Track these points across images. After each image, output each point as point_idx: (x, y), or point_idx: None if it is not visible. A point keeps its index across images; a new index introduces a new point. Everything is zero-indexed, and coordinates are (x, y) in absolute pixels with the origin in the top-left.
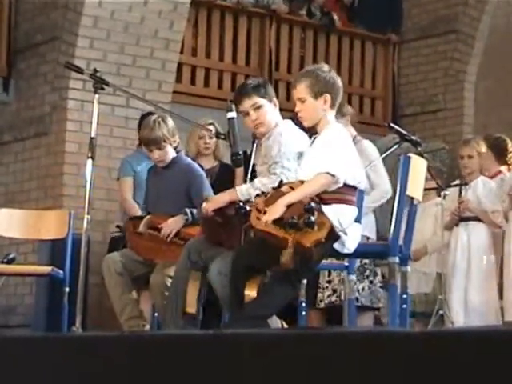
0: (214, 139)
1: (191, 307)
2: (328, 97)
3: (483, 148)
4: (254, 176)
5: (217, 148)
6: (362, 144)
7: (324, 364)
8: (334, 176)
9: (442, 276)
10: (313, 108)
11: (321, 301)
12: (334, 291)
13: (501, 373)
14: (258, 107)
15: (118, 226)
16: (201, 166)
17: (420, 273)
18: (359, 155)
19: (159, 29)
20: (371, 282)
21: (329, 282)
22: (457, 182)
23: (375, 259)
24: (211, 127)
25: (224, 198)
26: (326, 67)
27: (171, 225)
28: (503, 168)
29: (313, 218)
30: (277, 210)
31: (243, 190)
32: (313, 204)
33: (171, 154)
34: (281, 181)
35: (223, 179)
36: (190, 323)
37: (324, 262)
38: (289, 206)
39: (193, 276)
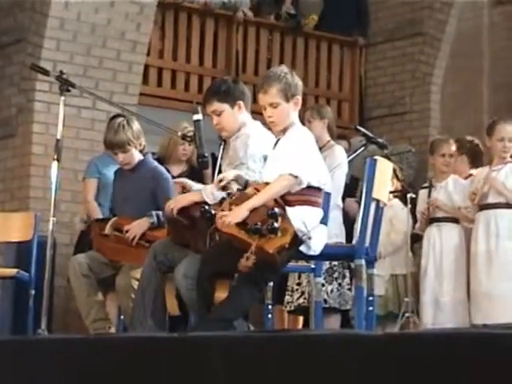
0: (192, 146)
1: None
2: (299, 99)
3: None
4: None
5: (192, 154)
6: (333, 149)
7: (290, 366)
8: (296, 177)
9: (406, 278)
10: (285, 112)
11: (288, 303)
12: (303, 293)
13: (466, 374)
14: (218, 113)
15: (85, 222)
16: (168, 170)
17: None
18: (329, 159)
19: (126, 31)
20: (340, 284)
21: (298, 284)
22: (427, 184)
23: (344, 261)
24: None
25: (188, 197)
26: (287, 69)
27: (136, 228)
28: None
29: (276, 224)
30: (240, 213)
31: (207, 191)
32: (276, 210)
33: (137, 156)
34: (246, 182)
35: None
36: (157, 325)
37: (291, 264)
38: (253, 210)
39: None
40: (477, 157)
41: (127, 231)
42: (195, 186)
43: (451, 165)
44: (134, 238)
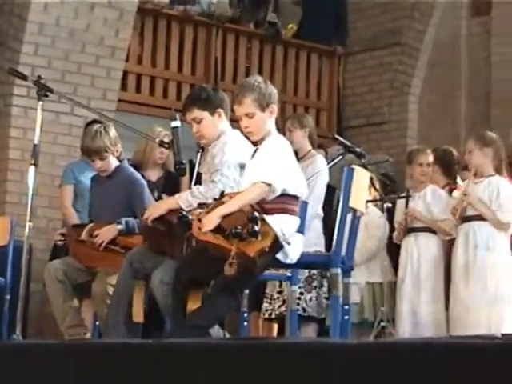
0: (168, 150)
1: (138, 317)
2: (274, 107)
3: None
4: (198, 184)
5: (168, 158)
6: (315, 159)
7: (265, 373)
8: (269, 185)
9: (383, 286)
10: (262, 121)
11: (267, 310)
12: (284, 302)
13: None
14: (198, 121)
15: (62, 234)
16: (143, 176)
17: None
18: (311, 168)
19: (105, 36)
20: (318, 292)
21: (279, 292)
22: (404, 193)
23: (323, 270)
24: (165, 138)
25: (164, 205)
26: (261, 78)
27: (103, 234)
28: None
29: (257, 228)
30: (211, 221)
31: (182, 198)
32: (256, 214)
33: (113, 163)
34: (222, 192)
35: (170, 189)
36: (131, 331)
37: (267, 272)
38: (227, 216)
39: (138, 285)
40: (449, 166)
41: (96, 236)
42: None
43: (429, 174)
44: (101, 244)
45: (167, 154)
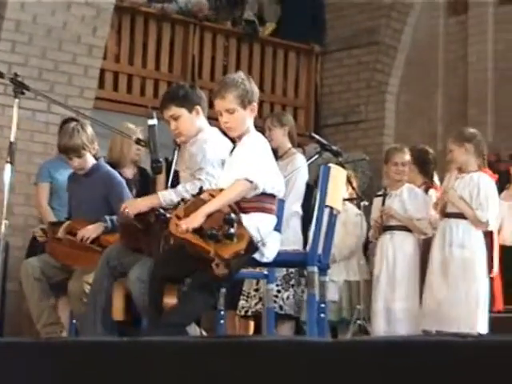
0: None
1: (118, 315)
2: (255, 106)
3: (409, 157)
4: (175, 182)
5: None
6: (294, 157)
7: (242, 371)
8: (252, 182)
9: (359, 284)
10: (242, 118)
11: (243, 308)
12: (261, 299)
13: (417, 382)
14: (175, 117)
15: (42, 230)
16: (120, 174)
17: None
18: (290, 167)
19: (82, 34)
20: (295, 291)
21: (256, 290)
22: (381, 192)
23: (299, 268)
24: (139, 134)
25: (145, 202)
26: (244, 75)
27: (88, 231)
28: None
29: (232, 230)
30: (196, 219)
31: (165, 196)
32: (233, 215)
33: (91, 161)
34: (201, 188)
35: (146, 187)
36: (108, 329)
37: (245, 270)
38: (209, 216)
39: (118, 284)
40: (425, 165)
41: (74, 234)
42: None
43: (404, 173)
44: (82, 239)
45: (143, 151)
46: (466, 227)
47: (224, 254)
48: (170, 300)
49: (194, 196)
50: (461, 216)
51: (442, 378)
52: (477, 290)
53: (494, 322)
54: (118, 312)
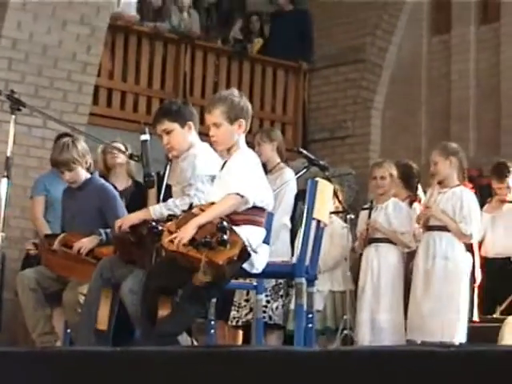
0: (122, 155)
1: (102, 324)
2: (243, 122)
3: (394, 171)
4: (167, 196)
5: (128, 166)
6: (283, 172)
7: (231, 380)
8: (243, 197)
9: (344, 295)
10: (228, 133)
11: (234, 318)
12: (251, 309)
13: None
14: (168, 132)
15: (34, 244)
16: (114, 187)
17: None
18: (279, 181)
19: (77, 52)
20: (284, 301)
21: (247, 300)
22: (367, 205)
23: (288, 280)
24: (119, 144)
25: (138, 216)
26: (237, 92)
27: (84, 243)
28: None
29: (226, 237)
30: (188, 231)
31: (156, 210)
32: (225, 223)
33: (83, 175)
34: (191, 204)
35: (137, 199)
36: (101, 340)
37: (233, 281)
38: (200, 227)
39: (104, 293)
40: (409, 180)
41: (70, 247)
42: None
43: (384, 187)
44: (79, 251)
45: (123, 157)
46: (449, 240)
47: (218, 260)
48: (165, 312)
49: (184, 211)
50: (444, 229)
51: None
52: (458, 302)
53: (470, 332)
54: (102, 322)
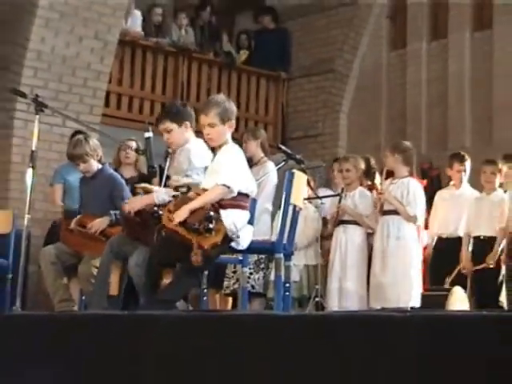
0: (134, 153)
1: (113, 290)
2: (233, 122)
3: (362, 164)
4: (167, 185)
5: (138, 161)
6: (265, 165)
7: (220, 339)
8: (229, 187)
9: (317, 268)
10: (221, 132)
11: (227, 287)
12: (238, 280)
13: (367, 349)
14: (168, 131)
15: (54, 222)
16: (122, 176)
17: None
18: (262, 172)
19: (91, 62)
20: (265, 273)
21: (234, 272)
22: (338, 191)
23: (269, 255)
24: (133, 143)
25: (143, 200)
26: (224, 97)
27: (98, 223)
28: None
29: (211, 226)
30: (182, 213)
31: (159, 195)
32: (212, 213)
33: (95, 166)
34: (188, 187)
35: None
36: (112, 304)
37: (223, 256)
38: (193, 211)
39: (115, 265)
40: (369, 171)
41: (84, 226)
42: (154, 188)
43: (349, 178)
44: (96, 231)
45: (134, 155)
46: (400, 222)
47: (204, 245)
48: (168, 279)
49: (182, 193)
50: (396, 213)
51: (386, 345)
52: (410, 273)
53: (423, 299)
54: (113, 289)
